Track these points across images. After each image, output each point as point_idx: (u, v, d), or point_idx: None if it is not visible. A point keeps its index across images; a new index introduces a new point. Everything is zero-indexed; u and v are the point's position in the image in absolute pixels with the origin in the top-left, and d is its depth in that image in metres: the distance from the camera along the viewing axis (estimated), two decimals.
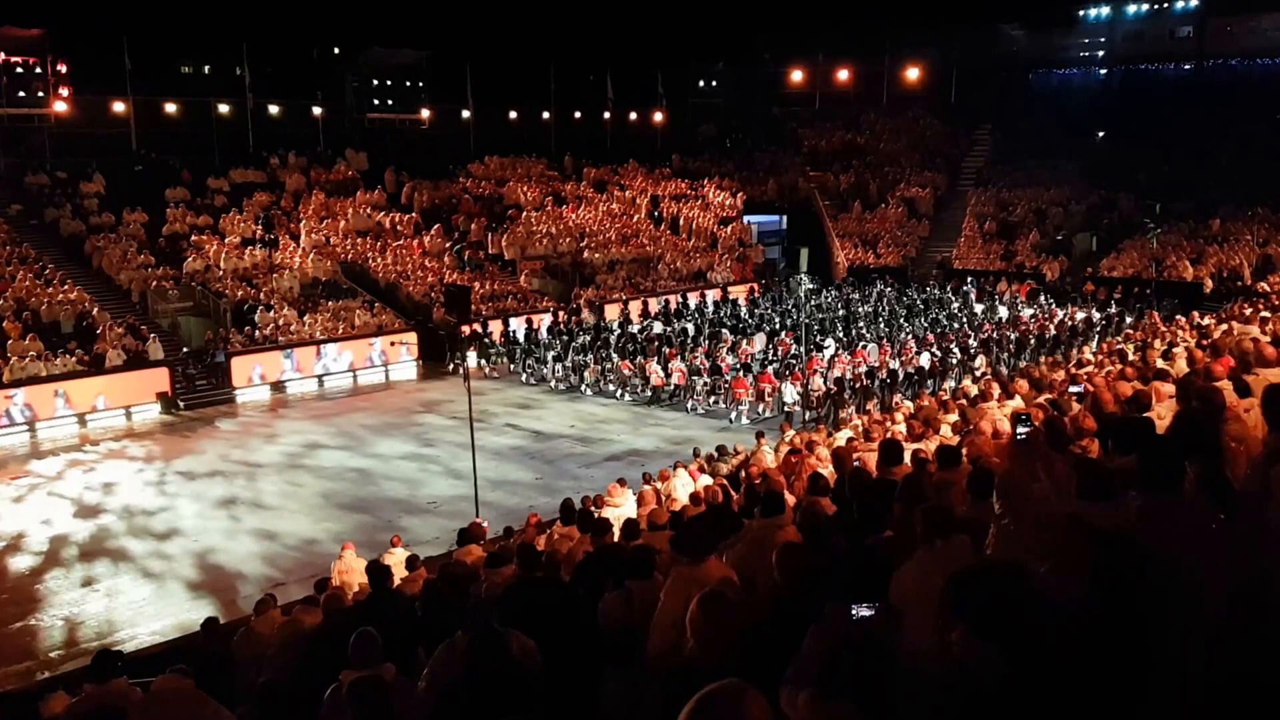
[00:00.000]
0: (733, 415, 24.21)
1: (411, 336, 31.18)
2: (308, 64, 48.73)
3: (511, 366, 30.82)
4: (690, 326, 32.81)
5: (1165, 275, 34.82)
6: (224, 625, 10.87)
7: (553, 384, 28.66)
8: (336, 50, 50.44)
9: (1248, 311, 18.17)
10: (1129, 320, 29.58)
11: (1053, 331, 28.29)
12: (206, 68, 53.44)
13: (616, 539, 8.91)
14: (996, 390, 12.33)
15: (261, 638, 8.84)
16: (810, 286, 39.79)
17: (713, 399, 25.52)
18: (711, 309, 36.68)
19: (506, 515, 16.17)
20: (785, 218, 49.48)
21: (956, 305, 34.67)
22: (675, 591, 5.21)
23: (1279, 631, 3.32)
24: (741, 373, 25.05)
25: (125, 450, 23.49)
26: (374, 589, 8.65)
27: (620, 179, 49.78)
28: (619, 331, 32.28)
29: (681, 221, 46.27)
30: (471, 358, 21.04)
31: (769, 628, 4.15)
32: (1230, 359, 8.18)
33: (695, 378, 25.81)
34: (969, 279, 38.88)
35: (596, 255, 40.55)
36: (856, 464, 9.18)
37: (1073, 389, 10.00)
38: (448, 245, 38.79)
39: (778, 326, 31.89)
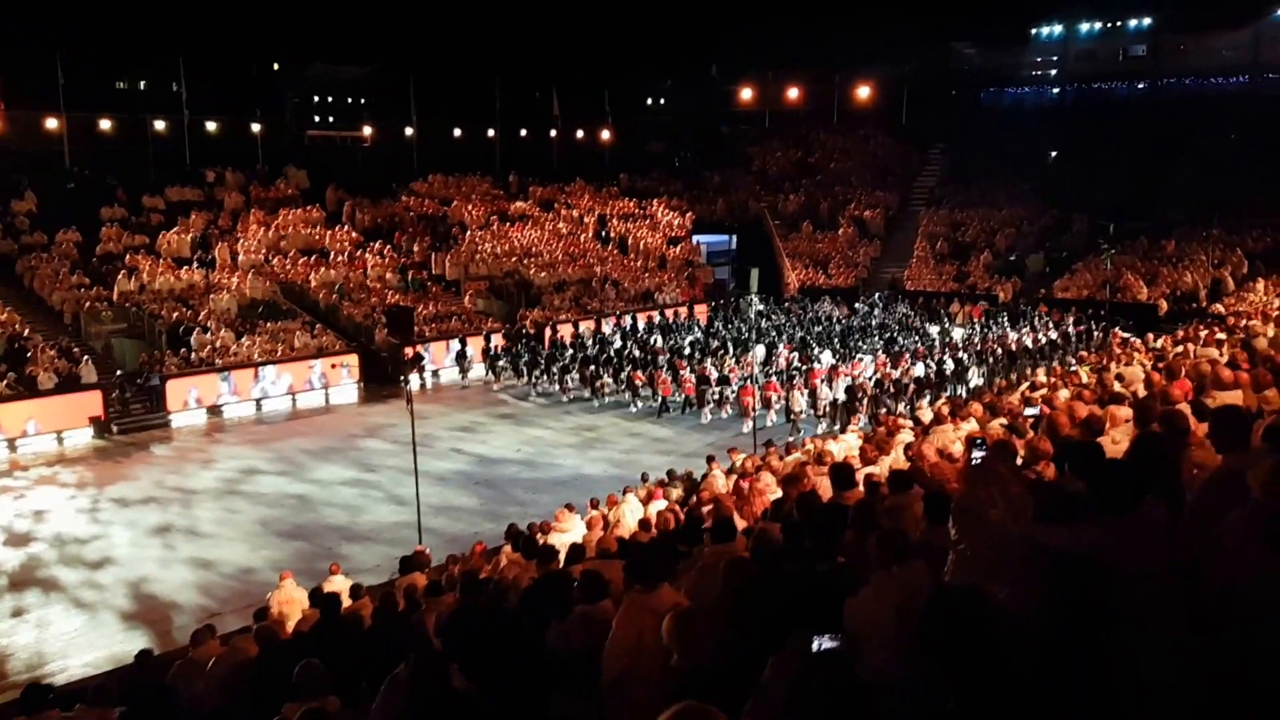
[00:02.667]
0: (745, 427, 24.47)
1: (353, 359, 30.61)
2: (246, 80, 48.06)
3: (520, 381, 30.99)
4: (690, 340, 33.42)
5: (1119, 297, 34.97)
6: (159, 657, 10.51)
7: (564, 397, 28.98)
8: (276, 66, 49.82)
9: (1203, 334, 18.24)
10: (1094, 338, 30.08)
11: (1030, 345, 29.02)
12: (142, 83, 52.65)
13: (562, 565, 8.77)
14: (950, 414, 12.37)
15: (203, 669, 8.56)
16: (760, 308, 40.10)
17: (726, 409, 26.11)
18: (709, 324, 37.10)
19: (450, 542, 15.91)
20: (735, 237, 49.52)
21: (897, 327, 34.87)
22: (628, 619, 5.11)
23: (1241, 651, 3.32)
24: (748, 382, 25.62)
25: (57, 476, 22.79)
26: (324, 617, 8.45)
27: (567, 198, 49.56)
28: (622, 345, 33.00)
29: (630, 241, 46.18)
30: (414, 379, 20.71)
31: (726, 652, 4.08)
32: (1187, 382, 8.22)
33: (704, 388, 26.33)
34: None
35: (543, 275, 40.33)
36: (808, 489, 9.12)
37: (1028, 411, 10.06)
38: (392, 268, 38.30)
39: (776, 339, 32.32)
